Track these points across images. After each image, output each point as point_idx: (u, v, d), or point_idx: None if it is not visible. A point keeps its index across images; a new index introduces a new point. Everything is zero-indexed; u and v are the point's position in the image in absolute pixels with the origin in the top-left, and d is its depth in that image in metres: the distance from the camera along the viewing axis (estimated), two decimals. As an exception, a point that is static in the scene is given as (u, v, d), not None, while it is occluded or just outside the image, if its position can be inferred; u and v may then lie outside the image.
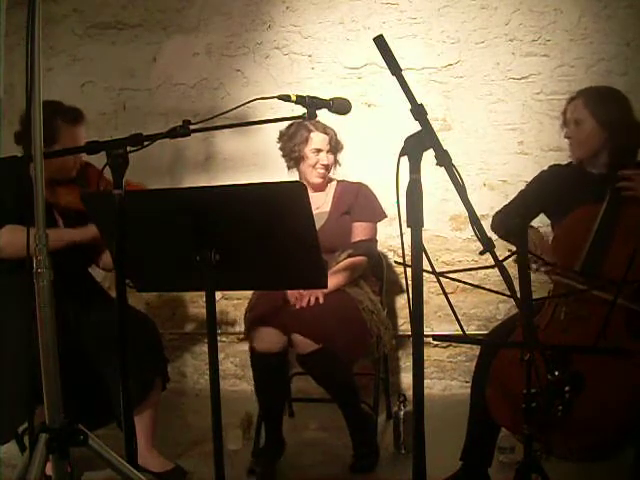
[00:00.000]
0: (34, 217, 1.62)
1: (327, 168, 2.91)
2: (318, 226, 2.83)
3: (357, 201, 2.94)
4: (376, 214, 2.95)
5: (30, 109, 1.59)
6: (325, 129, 2.88)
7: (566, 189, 2.51)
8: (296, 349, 2.65)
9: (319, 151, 2.88)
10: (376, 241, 3.02)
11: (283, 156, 2.99)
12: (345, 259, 2.84)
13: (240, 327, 3.39)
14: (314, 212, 2.84)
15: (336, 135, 2.93)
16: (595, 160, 2.47)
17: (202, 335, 3.86)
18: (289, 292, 2.75)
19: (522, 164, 3.52)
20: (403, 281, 3.54)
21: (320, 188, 2.97)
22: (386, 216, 2.97)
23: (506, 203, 2.71)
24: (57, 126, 2.49)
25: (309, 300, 2.70)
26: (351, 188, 2.98)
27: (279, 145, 2.98)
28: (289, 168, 3.00)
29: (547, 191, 2.58)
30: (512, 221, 2.63)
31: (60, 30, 3.83)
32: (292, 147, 2.92)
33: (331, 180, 3.02)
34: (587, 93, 2.47)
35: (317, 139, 2.89)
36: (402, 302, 3.66)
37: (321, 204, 2.95)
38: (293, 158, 2.94)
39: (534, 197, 2.62)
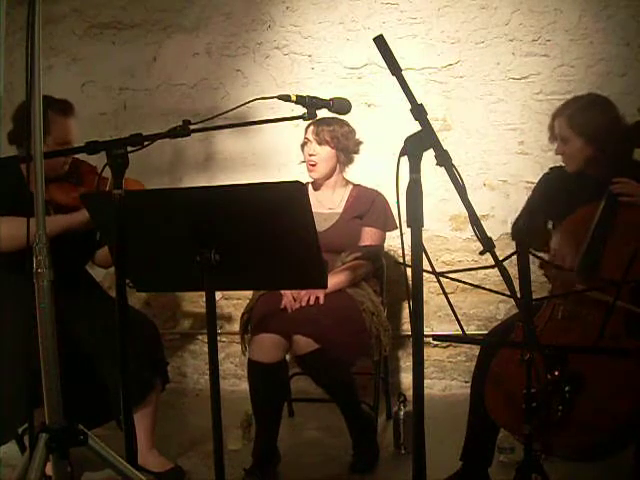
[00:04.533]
0: (32, 215, 1.62)
1: (315, 159, 2.84)
2: (328, 225, 2.87)
3: (372, 208, 2.92)
4: (388, 224, 2.94)
5: (30, 109, 1.59)
6: (316, 122, 2.81)
7: (566, 191, 2.50)
8: (294, 349, 2.64)
9: (307, 142, 2.88)
10: (382, 248, 3.03)
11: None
12: (350, 261, 2.84)
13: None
14: (326, 212, 2.91)
15: (339, 131, 2.85)
16: (589, 168, 2.45)
17: (202, 335, 3.86)
18: (284, 298, 2.73)
19: (522, 164, 3.52)
20: (404, 281, 3.54)
21: (318, 186, 2.96)
22: (397, 228, 2.95)
23: (519, 212, 2.69)
24: (48, 118, 2.49)
25: (308, 300, 2.69)
26: (367, 194, 2.96)
27: None
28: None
29: (550, 195, 2.58)
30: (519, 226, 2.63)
31: (60, 30, 3.83)
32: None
33: (347, 182, 3.01)
34: (569, 110, 2.43)
35: (307, 132, 2.89)
36: (403, 302, 3.67)
37: (335, 205, 2.95)
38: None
39: (539, 203, 2.62)
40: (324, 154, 2.86)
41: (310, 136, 2.87)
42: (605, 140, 2.37)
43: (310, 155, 2.87)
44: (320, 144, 2.85)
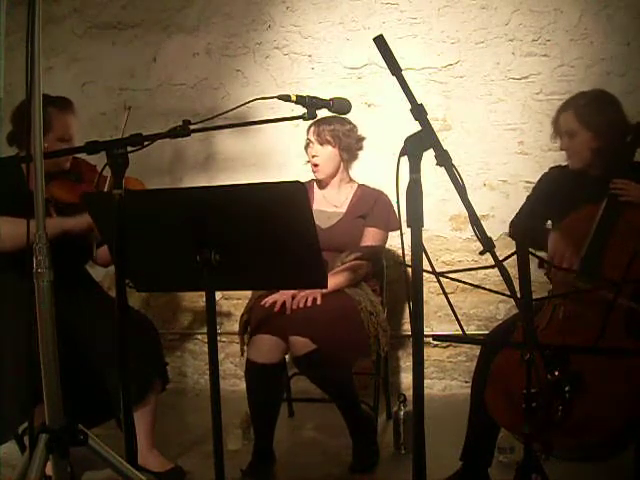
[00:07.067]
0: (32, 214, 1.62)
1: (317, 160, 2.86)
2: (331, 224, 2.88)
3: (374, 208, 2.92)
4: (390, 224, 2.93)
5: (30, 109, 1.59)
6: (316, 122, 2.83)
7: (567, 190, 2.51)
8: (292, 350, 2.63)
9: (309, 143, 2.89)
10: (384, 248, 3.03)
11: None
12: (350, 261, 2.84)
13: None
14: (331, 209, 2.91)
15: (340, 130, 2.85)
16: (593, 164, 2.46)
17: (202, 335, 3.86)
18: (284, 299, 2.70)
19: (522, 164, 3.52)
20: (404, 281, 3.54)
21: (324, 185, 2.96)
22: (400, 228, 2.94)
23: (517, 211, 2.70)
24: (49, 114, 2.49)
25: (306, 300, 2.68)
26: (370, 194, 2.96)
27: None
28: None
29: (550, 194, 2.58)
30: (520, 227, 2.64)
31: (60, 30, 3.84)
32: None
33: (353, 181, 3.01)
34: (577, 103, 2.45)
35: (309, 133, 2.90)
36: (403, 302, 3.67)
37: (339, 204, 2.95)
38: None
39: (539, 202, 2.62)
40: (326, 154, 2.87)
41: (312, 137, 2.88)
42: (611, 134, 2.38)
43: (313, 156, 2.88)
44: (322, 144, 2.86)
